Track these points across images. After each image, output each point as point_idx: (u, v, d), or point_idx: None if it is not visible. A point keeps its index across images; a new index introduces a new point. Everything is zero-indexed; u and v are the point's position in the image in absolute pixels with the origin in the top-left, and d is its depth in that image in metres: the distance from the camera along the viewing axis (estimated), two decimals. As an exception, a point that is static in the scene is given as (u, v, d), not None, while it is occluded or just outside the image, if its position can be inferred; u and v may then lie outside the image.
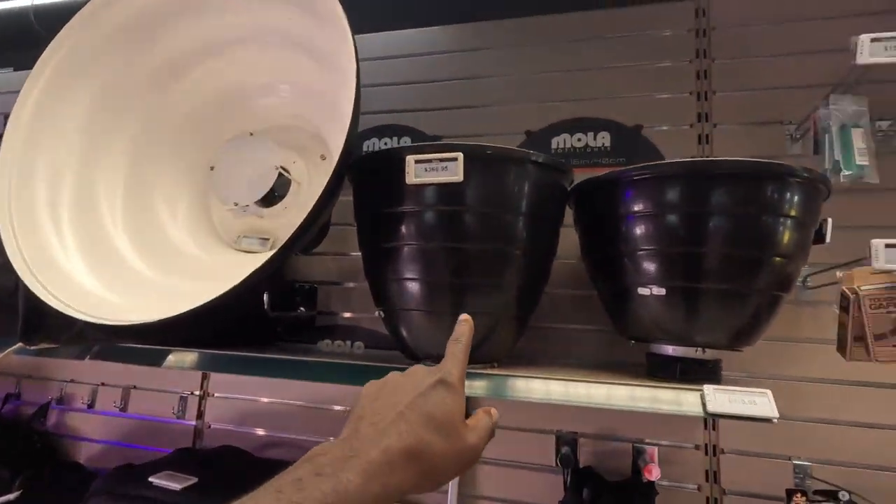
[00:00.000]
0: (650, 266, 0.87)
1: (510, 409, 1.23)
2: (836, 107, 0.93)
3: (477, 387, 0.89)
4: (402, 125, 1.48)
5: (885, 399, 1.05)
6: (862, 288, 0.83)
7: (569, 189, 0.99)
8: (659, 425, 1.16)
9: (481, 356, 0.95)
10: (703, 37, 1.28)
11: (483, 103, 1.42)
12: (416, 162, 0.82)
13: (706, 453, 1.13)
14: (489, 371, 0.91)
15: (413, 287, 0.90)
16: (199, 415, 1.47)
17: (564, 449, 1.17)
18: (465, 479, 1.24)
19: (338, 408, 1.39)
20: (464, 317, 0.61)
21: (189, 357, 1.05)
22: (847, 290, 0.86)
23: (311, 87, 1.13)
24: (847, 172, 0.91)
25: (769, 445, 1.10)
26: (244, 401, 1.45)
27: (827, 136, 0.94)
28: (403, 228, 0.87)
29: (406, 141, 1.45)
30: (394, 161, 0.85)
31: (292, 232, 0.79)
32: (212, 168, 1.19)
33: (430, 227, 0.86)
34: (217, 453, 1.31)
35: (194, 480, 1.10)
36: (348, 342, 1.39)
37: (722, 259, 0.84)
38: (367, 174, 0.96)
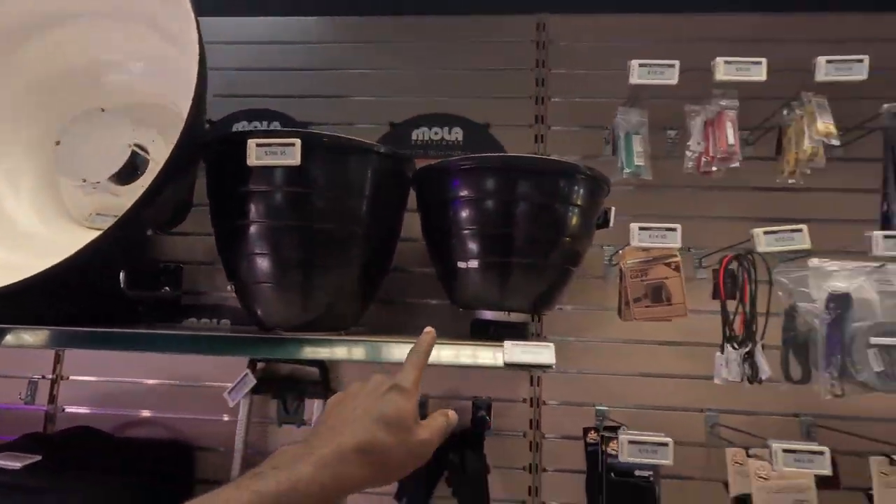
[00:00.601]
0: (470, 244, 1.03)
1: (362, 372, 1.35)
2: (622, 117, 1.15)
3: (338, 353, 0.99)
4: (273, 110, 1.52)
5: (660, 354, 1.32)
6: (627, 263, 1.05)
7: (411, 177, 1.12)
8: (493, 384, 1.34)
9: (329, 325, 1.05)
10: (542, 48, 1.47)
11: (351, 94, 1.51)
12: (258, 145, 0.90)
13: (531, 405, 1.33)
14: (338, 337, 1.01)
15: (259, 263, 0.98)
16: (52, 399, 1.42)
17: (415, 409, 1.32)
18: (326, 443, 1.35)
19: (207, 384, 1.41)
20: (427, 329, 0.67)
21: (32, 335, 1.03)
22: (620, 266, 1.08)
23: (168, 66, 1.15)
24: (627, 170, 1.13)
25: (579, 396, 1.32)
26: (102, 382, 1.43)
27: (618, 141, 1.16)
28: (247, 207, 0.95)
29: (276, 125, 1.50)
30: (237, 144, 0.92)
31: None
32: (57, 143, 1.16)
33: (272, 206, 0.95)
34: (68, 434, 1.29)
35: (37, 459, 1.09)
36: (214, 320, 1.43)
37: (525, 238, 1.01)
38: (215, 155, 1.01)
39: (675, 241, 0.97)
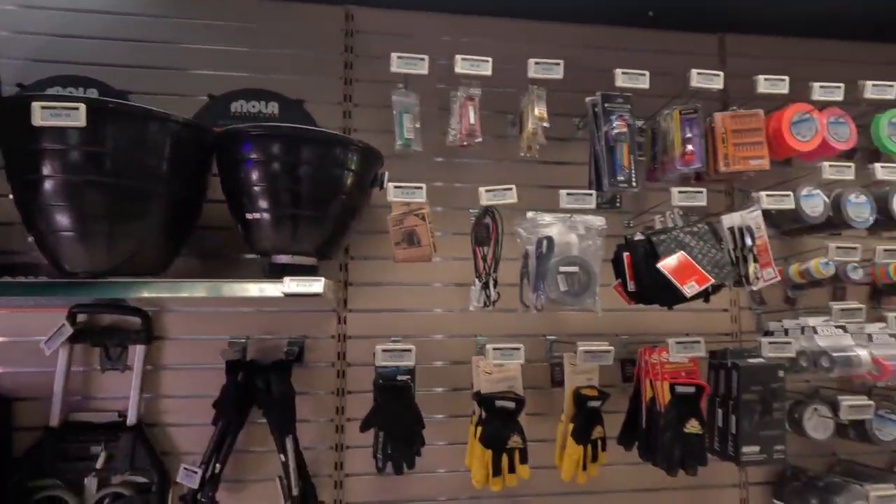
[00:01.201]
0: (259, 199, 1.24)
1: (186, 321, 1.52)
2: (397, 98, 1.42)
3: (144, 292, 1.15)
4: (91, 77, 1.58)
5: (444, 293, 1.64)
6: (393, 214, 1.33)
7: (210, 143, 1.29)
8: (307, 324, 1.57)
9: (136, 269, 1.20)
10: (350, 36, 1.69)
11: (173, 66, 1.62)
12: (42, 108, 1.02)
13: (338, 340, 1.59)
14: (141, 280, 1.17)
15: (55, 214, 1.10)
16: None
17: (235, 349, 1.50)
18: (149, 385, 1.50)
19: (27, 339, 1.47)
20: None
21: None
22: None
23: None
24: (400, 142, 1.41)
25: (379, 331, 1.60)
26: None
27: (394, 118, 1.43)
28: (36, 163, 1.06)
29: (92, 92, 1.56)
30: (25, 106, 1.03)
31: None
32: None
33: (56, 163, 1.07)
34: None
35: None
36: (31, 277, 1.49)
37: (306, 195, 1.24)
38: (8, 115, 1.10)
39: (421, 196, 1.26)
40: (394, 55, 1.32)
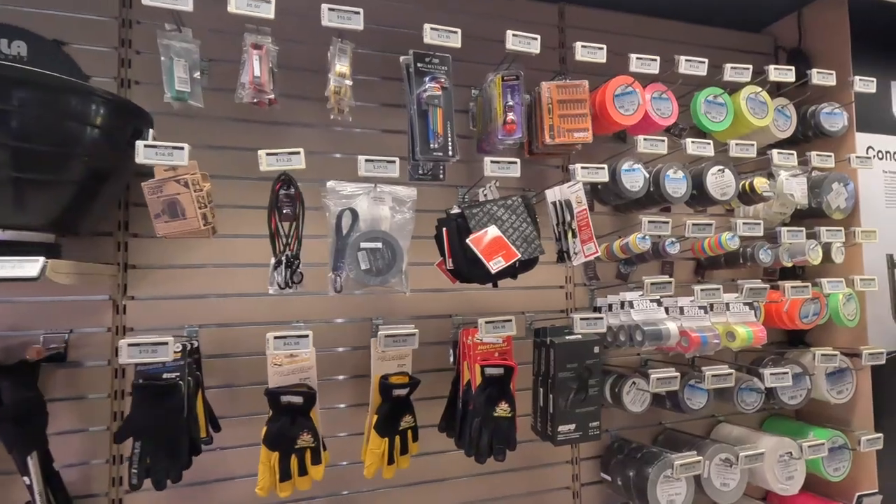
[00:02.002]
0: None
1: None
2: (166, 41, 1.18)
3: None
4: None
5: (245, 274, 1.44)
6: (149, 182, 1.11)
7: None
8: (73, 315, 1.30)
9: None
10: (129, -31, 1.41)
11: None
12: None
13: (115, 333, 1.34)
14: None
15: None
16: None
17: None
18: None
19: None
20: None
21: None
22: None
23: None
24: (169, 94, 1.17)
25: (170, 320, 1.37)
26: None
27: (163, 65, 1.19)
28: None
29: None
30: None
31: None
32: None
33: None
34: None
35: None
36: None
37: (30, 153, 0.98)
38: None
39: (181, 159, 1.05)
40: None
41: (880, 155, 1.88)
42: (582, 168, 1.37)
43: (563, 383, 1.37)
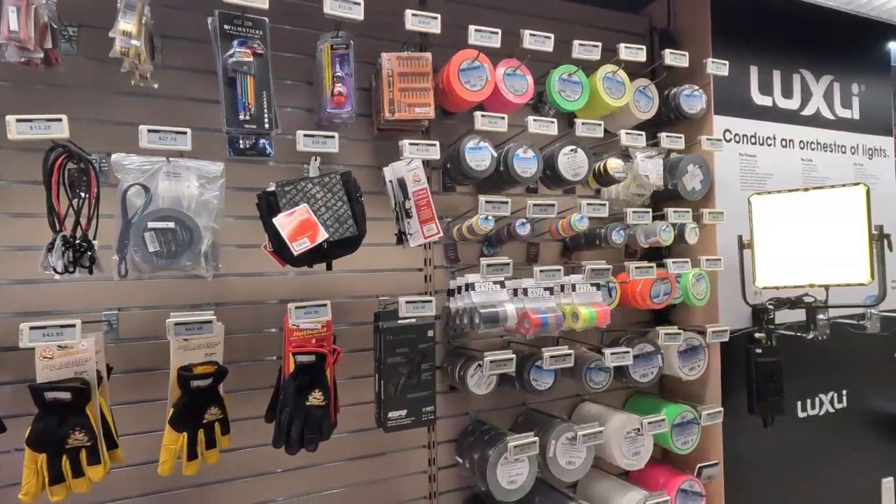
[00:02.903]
0: None
1: None
2: None
3: None
4: None
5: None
6: None
7: None
8: None
9: None
10: None
11: None
12: None
13: None
14: None
15: None
16: None
17: None
18: None
19: None
20: None
21: None
22: None
23: None
24: None
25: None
26: None
27: None
28: None
29: None
30: None
31: None
32: None
33: None
34: None
35: None
36: None
37: None
38: None
39: None
40: None
41: (738, 138, 1.93)
42: (410, 145, 1.30)
43: (392, 368, 1.33)
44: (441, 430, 1.72)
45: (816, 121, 2.11)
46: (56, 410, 1.03)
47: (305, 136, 1.19)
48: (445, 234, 1.66)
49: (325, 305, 1.20)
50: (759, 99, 1.98)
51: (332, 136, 1.21)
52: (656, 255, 1.93)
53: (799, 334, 1.78)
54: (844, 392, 2.16)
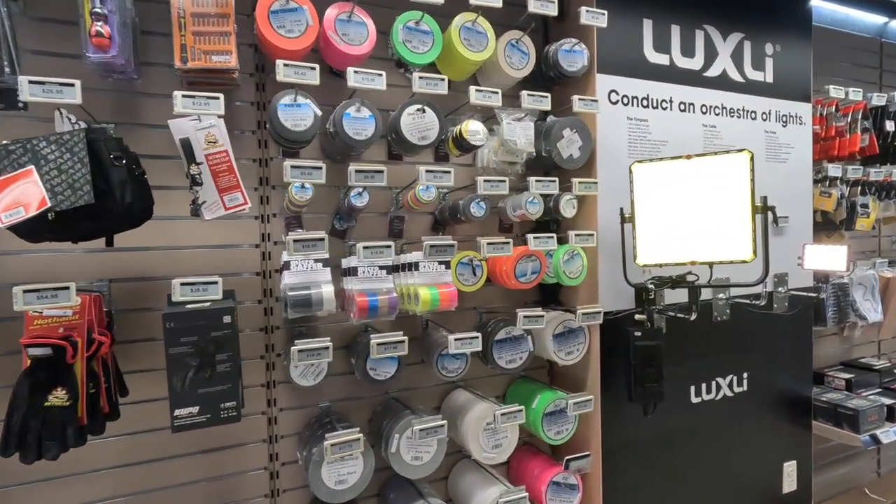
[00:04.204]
0: None
1: None
2: None
3: None
4: None
5: None
6: None
7: None
8: None
9: None
10: None
11: None
12: None
13: None
14: None
15: None
16: None
17: None
18: None
19: None
20: None
21: None
22: None
23: None
24: None
25: None
26: None
27: None
28: None
29: None
30: None
31: None
32: None
33: None
34: None
35: None
36: None
37: None
38: None
39: None
40: None
41: (626, 100, 1.74)
42: (183, 97, 1.09)
43: (177, 360, 1.15)
44: (291, 421, 1.56)
45: (722, 83, 1.93)
46: None
47: (31, 82, 0.97)
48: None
49: (66, 288, 1.01)
50: (654, 57, 1.79)
51: (72, 84, 1.00)
52: (545, 230, 1.76)
53: (680, 315, 1.64)
54: (745, 375, 2.04)
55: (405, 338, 1.34)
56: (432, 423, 1.38)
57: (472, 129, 1.46)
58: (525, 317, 1.48)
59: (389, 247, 1.29)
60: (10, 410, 1.01)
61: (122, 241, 1.24)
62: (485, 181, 1.41)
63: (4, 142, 1.00)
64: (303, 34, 1.29)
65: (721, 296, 1.95)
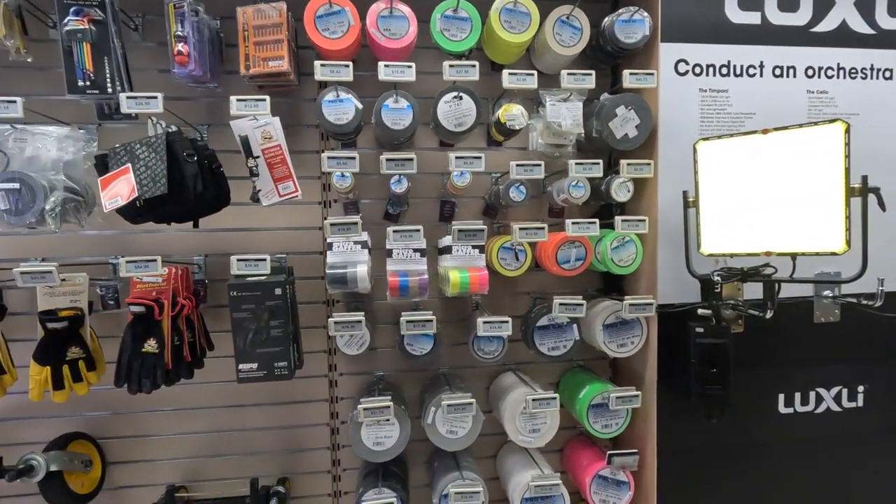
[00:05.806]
0: None
1: None
2: None
3: None
4: None
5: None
6: None
7: None
8: None
9: None
10: None
11: None
12: None
13: None
14: None
15: None
16: None
17: None
18: None
19: None
20: None
21: None
22: None
23: None
24: None
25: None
26: None
27: None
28: None
29: None
30: None
31: None
32: None
33: None
34: None
35: None
36: None
37: None
38: None
39: None
40: None
41: (697, 69, 1.55)
42: (237, 101, 1.28)
43: (239, 323, 1.37)
44: (351, 385, 1.75)
45: (839, 38, 1.61)
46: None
47: (129, 98, 1.24)
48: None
49: (154, 260, 1.28)
50: (739, 16, 1.56)
51: (155, 97, 1.24)
52: (607, 214, 1.67)
53: (752, 312, 1.44)
54: (860, 388, 1.72)
55: (433, 317, 1.41)
56: (460, 401, 1.44)
57: (511, 113, 1.45)
58: (561, 304, 1.45)
59: (418, 230, 1.37)
60: (120, 353, 1.32)
61: (210, 224, 1.50)
62: (517, 165, 1.39)
63: (116, 146, 1.29)
64: (345, 34, 1.41)
65: (827, 293, 1.66)
